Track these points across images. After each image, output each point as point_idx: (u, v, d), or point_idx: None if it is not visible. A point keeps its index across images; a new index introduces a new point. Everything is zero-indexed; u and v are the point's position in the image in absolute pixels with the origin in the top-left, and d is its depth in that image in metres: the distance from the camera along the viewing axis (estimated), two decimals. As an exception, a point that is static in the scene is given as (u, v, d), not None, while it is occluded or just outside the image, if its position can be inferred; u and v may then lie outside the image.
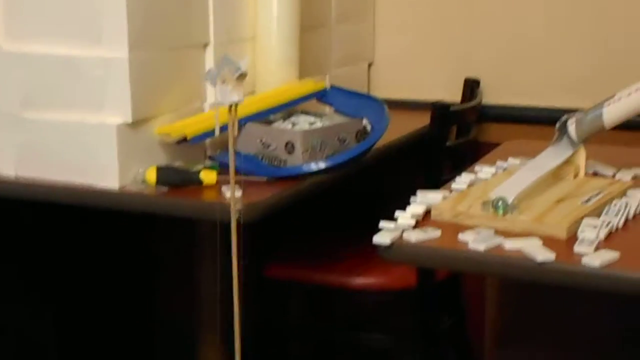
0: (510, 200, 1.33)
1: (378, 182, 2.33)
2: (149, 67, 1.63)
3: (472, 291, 2.23)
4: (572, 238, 1.26)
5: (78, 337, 2.26)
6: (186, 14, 1.72)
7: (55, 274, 2.13)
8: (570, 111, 1.66)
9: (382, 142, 1.84)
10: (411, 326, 2.09)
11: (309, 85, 1.93)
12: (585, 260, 1.17)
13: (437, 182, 1.98)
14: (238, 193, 1.43)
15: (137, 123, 1.62)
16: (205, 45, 1.79)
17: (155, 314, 2.41)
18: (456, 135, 2.22)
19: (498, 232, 1.29)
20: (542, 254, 1.20)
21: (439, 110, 1.98)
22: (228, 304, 1.55)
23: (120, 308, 2.32)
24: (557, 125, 1.50)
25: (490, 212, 1.34)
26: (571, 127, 1.48)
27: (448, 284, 2.17)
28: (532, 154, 1.63)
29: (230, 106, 1.23)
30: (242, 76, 1.22)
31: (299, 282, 2.12)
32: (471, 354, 2.23)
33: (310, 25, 2.06)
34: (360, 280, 2.06)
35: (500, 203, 1.33)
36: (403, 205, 1.41)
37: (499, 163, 1.65)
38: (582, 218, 1.31)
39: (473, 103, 2.17)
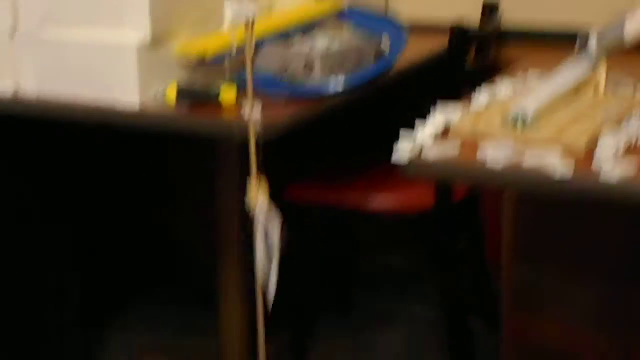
0: (529, 116, 1.33)
1: (396, 106, 2.33)
2: (168, -17, 1.63)
3: (490, 211, 2.24)
4: (590, 153, 1.26)
5: (96, 257, 2.30)
6: None
7: (75, 195, 2.15)
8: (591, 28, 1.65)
9: (400, 65, 1.83)
10: (429, 247, 2.12)
11: (327, 4, 1.91)
12: (604, 175, 1.18)
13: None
14: (257, 112, 1.44)
15: (157, 41, 1.62)
16: (226, -37, 1.78)
17: (175, 234, 2.44)
18: (475, 58, 2.20)
19: (517, 147, 1.30)
20: (560, 169, 1.20)
21: (458, 33, 1.97)
22: (246, 224, 1.58)
23: (140, 228, 2.36)
24: (578, 40, 1.49)
25: (510, 127, 1.34)
26: (592, 42, 1.47)
27: (466, 204, 2.18)
28: (551, 67, 1.62)
29: (247, 23, 1.23)
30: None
31: (317, 205, 2.13)
32: (488, 274, 2.26)
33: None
34: (378, 202, 2.08)
35: (519, 118, 1.33)
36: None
37: (519, 78, 1.64)
38: (600, 133, 1.31)
39: (492, 26, 2.15)
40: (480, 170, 1.27)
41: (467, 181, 1.36)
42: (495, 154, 1.27)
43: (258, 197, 1.39)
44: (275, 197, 2.17)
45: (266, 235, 1.28)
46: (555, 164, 1.22)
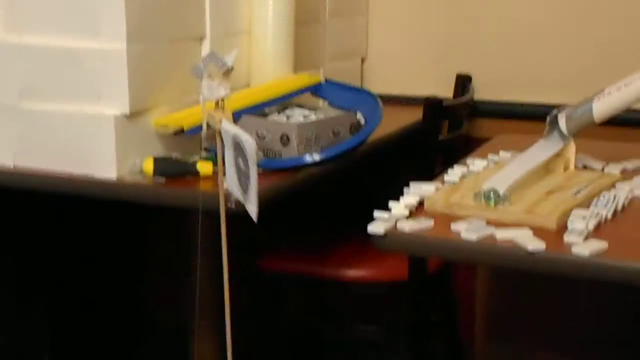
0: (501, 192, 1.36)
1: (371, 176, 2.36)
2: (146, 59, 1.65)
3: (463, 283, 2.26)
4: (562, 228, 1.29)
5: (71, 327, 2.28)
6: (183, 6, 1.75)
7: (49, 264, 2.15)
8: (558, 106, 1.69)
9: (375, 136, 1.86)
10: (402, 318, 2.12)
11: (304, 79, 1.95)
12: (575, 250, 1.20)
13: (430, 175, 2.01)
14: (226, 186, 1.45)
15: (135, 114, 1.64)
16: (202, 38, 1.81)
17: (149, 304, 2.43)
18: (448, 129, 2.25)
19: (490, 223, 1.32)
20: (532, 243, 1.23)
21: (432, 105, 2.01)
22: (221, 295, 1.58)
23: (113, 298, 2.34)
24: (548, 119, 1.53)
25: (482, 203, 1.37)
26: (561, 121, 1.51)
27: (439, 278, 2.19)
28: (523, 147, 1.66)
29: (217, 101, 1.25)
30: (228, 71, 1.25)
31: (292, 274, 2.14)
32: (462, 348, 2.26)
33: (304, 20, 2.08)
34: (353, 272, 2.09)
35: (492, 194, 1.36)
36: (396, 197, 1.44)
37: (490, 156, 1.68)
38: (571, 209, 1.34)
39: (465, 98, 2.20)
40: (454, 245, 1.29)
41: (440, 255, 1.38)
42: (468, 229, 1.29)
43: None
44: (249, 266, 2.18)
45: (240, 151, 1.20)
46: (528, 239, 1.24)
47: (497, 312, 1.87)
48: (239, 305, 1.44)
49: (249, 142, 1.16)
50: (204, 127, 1.26)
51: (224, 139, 1.24)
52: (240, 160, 1.21)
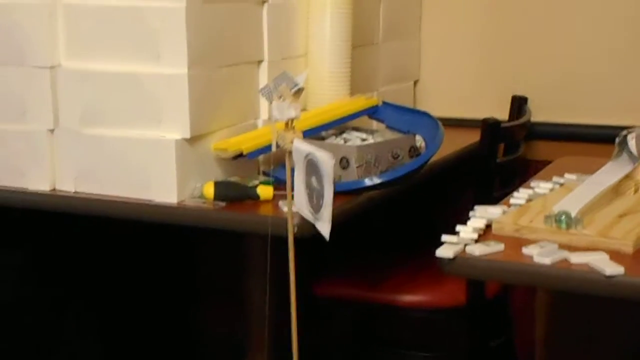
0: (573, 214, 1.33)
1: (428, 199, 2.33)
2: (206, 83, 1.65)
3: (520, 310, 2.22)
4: (639, 252, 1.25)
5: (124, 349, 2.27)
6: (242, 31, 1.75)
7: (104, 286, 2.15)
8: (617, 129, 1.66)
9: (432, 158, 1.84)
10: (460, 345, 2.08)
11: (361, 102, 1.94)
12: (656, 274, 1.17)
13: (488, 198, 1.98)
14: (295, 208, 1.44)
15: (195, 138, 1.64)
16: (260, 62, 1.81)
17: (204, 328, 2.41)
18: (504, 152, 2.22)
19: (562, 246, 1.29)
20: (610, 267, 1.19)
21: (490, 127, 1.98)
22: (276, 319, 1.56)
23: (169, 322, 2.33)
24: (617, 140, 1.50)
25: (553, 226, 1.33)
26: (631, 142, 1.48)
27: (497, 302, 2.15)
28: (587, 169, 1.64)
29: (288, 122, 1.24)
30: (299, 92, 1.23)
31: (346, 299, 2.12)
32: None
33: (359, 43, 2.07)
34: (409, 297, 2.06)
35: (563, 217, 1.33)
36: (454, 221, 1.41)
37: (555, 178, 1.65)
38: (646, 232, 1.30)
39: (522, 120, 2.17)
40: (528, 269, 1.26)
41: (514, 280, 1.34)
42: (541, 253, 1.25)
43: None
44: (304, 291, 2.16)
45: (313, 170, 1.18)
46: (605, 263, 1.21)
47: (558, 338, 1.82)
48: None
49: (326, 159, 1.14)
50: (274, 147, 1.24)
51: (294, 159, 1.22)
52: (314, 179, 1.19)
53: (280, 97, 1.24)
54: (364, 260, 2.26)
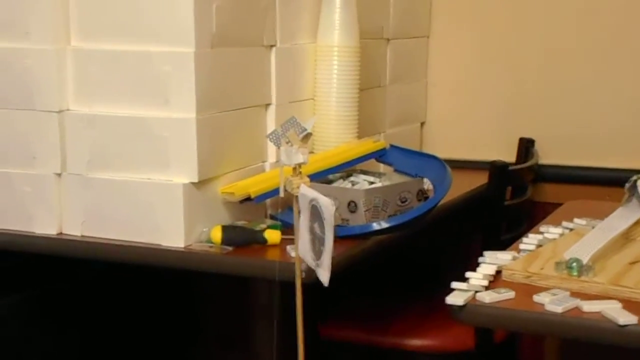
0: (585, 261, 1.32)
1: (435, 241, 2.32)
2: (214, 127, 1.65)
3: (529, 355, 2.20)
4: (651, 300, 1.24)
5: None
6: (250, 75, 1.75)
7: (113, 331, 2.13)
8: (626, 172, 1.65)
9: (440, 201, 1.83)
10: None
11: (369, 145, 1.94)
12: (670, 323, 1.15)
13: (495, 241, 1.98)
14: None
15: (203, 182, 1.63)
16: (268, 106, 1.81)
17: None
18: (512, 194, 2.21)
19: (573, 294, 1.28)
20: (623, 317, 1.18)
21: (498, 170, 1.98)
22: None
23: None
24: (627, 185, 1.49)
25: (564, 273, 1.32)
26: (641, 187, 1.47)
27: (505, 347, 2.13)
28: (596, 214, 1.63)
29: (296, 167, 1.23)
30: (307, 137, 1.23)
31: (354, 342, 2.10)
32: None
33: (365, 85, 2.08)
34: (417, 342, 2.04)
35: (574, 264, 1.32)
36: (462, 265, 1.40)
37: (565, 223, 1.64)
38: (659, 280, 1.29)
39: (530, 162, 2.16)
40: (539, 317, 1.24)
41: (525, 329, 1.33)
42: (552, 301, 1.24)
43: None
44: (311, 334, 2.14)
45: (317, 215, 1.17)
46: (617, 311, 1.20)
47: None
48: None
49: (328, 206, 1.13)
50: (282, 192, 1.24)
51: (300, 204, 1.22)
52: (316, 225, 1.19)
53: (288, 142, 1.24)
54: (371, 303, 2.24)
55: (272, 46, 1.81)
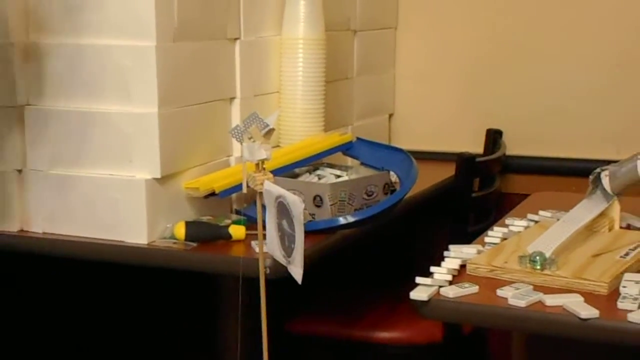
0: (548, 255, 1.32)
1: (402, 234, 2.31)
2: (177, 122, 1.63)
3: (498, 345, 2.20)
4: (614, 293, 1.24)
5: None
6: (213, 69, 1.73)
7: (74, 328, 2.11)
8: (592, 162, 1.64)
9: (408, 193, 1.82)
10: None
11: (335, 138, 1.92)
12: (632, 317, 1.15)
13: (463, 232, 1.97)
14: (267, 249, 1.42)
15: (166, 178, 1.61)
16: (232, 99, 1.79)
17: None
18: (480, 185, 2.21)
19: (536, 288, 1.28)
20: (585, 310, 1.18)
21: (465, 161, 1.98)
22: (249, 359, 1.52)
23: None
24: (591, 177, 1.49)
25: (528, 266, 1.32)
26: (605, 180, 1.47)
27: (474, 338, 2.13)
28: (561, 205, 1.63)
29: (258, 163, 1.22)
30: (269, 133, 1.22)
31: (322, 336, 2.09)
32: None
33: (332, 78, 2.06)
34: (385, 334, 2.03)
35: (537, 258, 1.31)
36: (430, 257, 1.40)
37: (530, 216, 1.64)
38: (621, 273, 1.29)
39: (497, 154, 2.16)
40: (502, 312, 1.24)
41: (488, 323, 1.33)
42: (515, 295, 1.24)
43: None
44: (278, 330, 2.13)
45: (284, 212, 1.16)
46: (579, 305, 1.20)
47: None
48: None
49: (296, 203, 1.12)
50: (244, 188, 1.22)
51: (265, 201, 1.20)
52: (285, 222, 1.18)
53: (250, 138, 1.22)
54: (339, 297, 2.23)
55: (236, 39, 1.79)
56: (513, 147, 2.29)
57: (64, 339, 2.08)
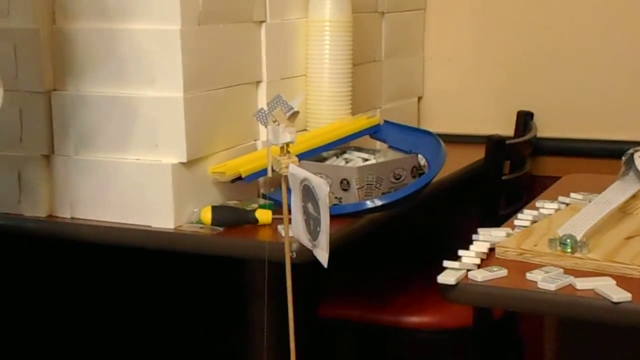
0: (578, 238, 1.29)
1: (432, 217, 2.29)
2: (203, 106, 1.62)
3: (531, 329, 2.17)
4: (647, 276, 1.21)
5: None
6: (239, 52, 1.72)
7: (102, 312, 2.12)
8: (624, 143, 1.61)
9: (437, 177, 1.80)
10: (468, 366, 2.04)
11: (362, 121, 1.90)
12: (664, 300, 1.13)
13: (494, 216, 1.95)
14: (292, 233, 1.41)
15: (192, 162, 1.61)
16: (258, 83, 1.78)
17: (203, 356, 2.38)
18: (510, 168, 2.18)
19: (567, 271, 1.26)
20: (617, 294, 1.15)
21: (495, 144, 1.95)
22: (279, 344, 1.52)
23: (166, 350, 2.30)
24: (623, 159, 1.46)
25: (558, 250, 1.30)
26: (638, 161, 1.44)
27: (505, 322, 2.11)
28: (592, 188, 1.60)
29: (283, 146, 1.21)
30: (294, 115, 1.20)
31: (352, 321, 2.08)
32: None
33: (360, 61, 2.04)
34: (415, 319, 2.02)
35: (568, 240, 1.29)
36: (459, 241, 1.38)
37: (561, 198, 1.61)
38: (655, 255, 1.27)
39: (528, 136, 2.13)
40: (531, 296, 1.22)
41: (517, 307, 1.31)
42: (545, 279, 1.22)
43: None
44: (309, 313, 2.12)
45: (310, 195, 1.17)
46: (611, 289, 1.17)
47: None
48: (297, 354, 1.38)
49: (322, 186, 1.11)
50: (269, 172, 1.21)
51: (290, 184, 1.19)
52: (310, 206, 1.16)
53: (274, 121, 1.21)
54: (369, 281, 2.22)
55: (262, 22, 1.77)
56: (544, 129, 2.26)
57: (91, 324, 2.09)
